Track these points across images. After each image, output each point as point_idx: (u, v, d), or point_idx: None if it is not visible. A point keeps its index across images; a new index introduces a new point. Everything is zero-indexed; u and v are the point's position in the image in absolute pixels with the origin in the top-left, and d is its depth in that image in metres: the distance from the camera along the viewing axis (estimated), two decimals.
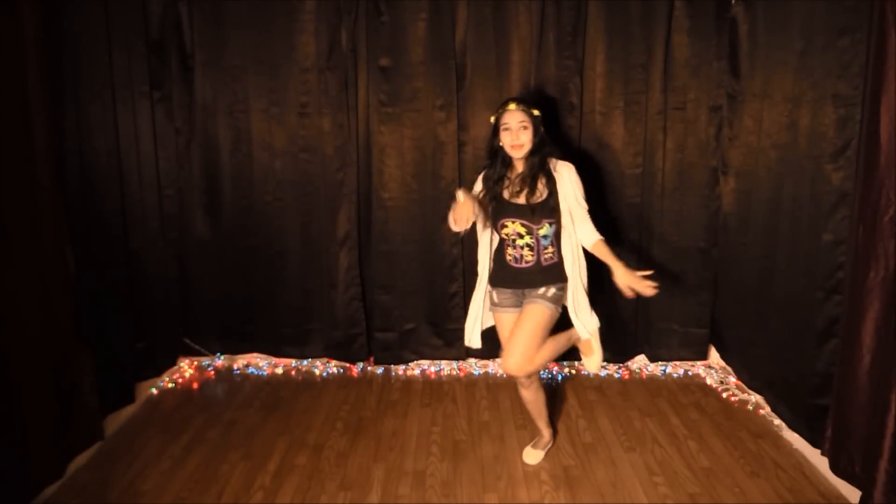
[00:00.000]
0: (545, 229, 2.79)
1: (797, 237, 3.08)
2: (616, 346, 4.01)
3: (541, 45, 3.61)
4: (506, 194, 2.82)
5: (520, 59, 3.65)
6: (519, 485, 2.90)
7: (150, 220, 3.68)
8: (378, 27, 3.62)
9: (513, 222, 2.77)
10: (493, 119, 2.83)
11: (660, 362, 4.05)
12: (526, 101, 2.82)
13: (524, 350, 2.74)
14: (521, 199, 2.78)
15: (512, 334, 2.80)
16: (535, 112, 2.79)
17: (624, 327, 3.98)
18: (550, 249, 2.83)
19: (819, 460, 2.92)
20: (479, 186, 2.90)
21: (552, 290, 2.83)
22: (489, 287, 2.94)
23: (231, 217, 3.89)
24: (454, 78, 3.66)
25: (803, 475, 2.94)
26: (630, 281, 2.69)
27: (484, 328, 3.01)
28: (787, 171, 3.16)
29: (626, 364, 4.07)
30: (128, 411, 3.50)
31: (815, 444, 2.94)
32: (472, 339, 3.00)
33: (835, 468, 2.71)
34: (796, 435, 3.14)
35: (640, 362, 4.09)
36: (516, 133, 2.73)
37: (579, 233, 2.84)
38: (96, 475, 2.97)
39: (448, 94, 3.66)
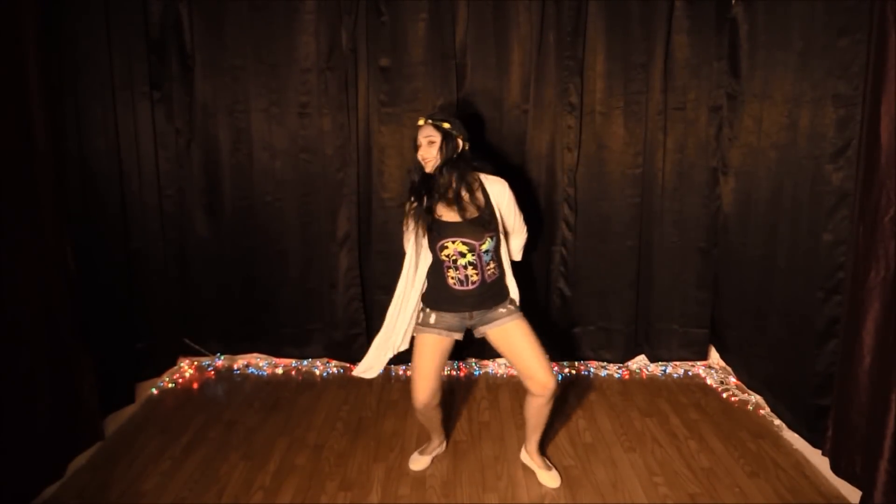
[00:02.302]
0: (487, 244, 2.68)
1: (797, 237, 3.08)
2: (616, 346, 4.02)
3: (541, 45, 3.61)
4: (440, 213, 2.70)
5: (520, 60, 3.65)
6: (519, 485, 2.90)
7: (150, 221, 3.68)
8: (378, 27, 3.62)
9: (453, 242, 2.66)
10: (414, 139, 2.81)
11: (660, 362, 4.05)
12: (440, 116, 2.76)
13: (546, 362, 2.68)
14: (456, 216, 2.67)
15: (522, 353, 2.70)
16: (446, 125, 2.70)
17: (624, 327, 3.98)
18: (492, 264, 2.74)
19: (819, 460, 2.92)
20: (407, 210, 2.82)
21: (508, 306, 2.79)
22: (422, 307, 2.83)
23: (231, 217, 3.89)
24: (454, 78, 3.65)
25: (803, 475, 2.94)
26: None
27: (395, 353, 2.90)
28: (788, 171, 3.16)
29: (626, 364, 4.07)
30: (128, 411, 3.50)
31: (815, 444, 2.95)
32: (376, 367, 2.92)
33: (835, 468, 2.71)
34: (796, 435, 3.14)
35: (640, 362, 4.09)
36: (425, 148, 2.69)
37: (510, 244, 2.91)
38: (96, 475, 2.97)
39: (448, 94, 3.66)
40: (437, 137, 2.68)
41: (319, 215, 3.85)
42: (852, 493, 2.66)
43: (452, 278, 2.71)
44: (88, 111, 3.20)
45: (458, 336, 2.80)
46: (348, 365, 4.06)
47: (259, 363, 4.11)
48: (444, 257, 2.70)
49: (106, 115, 3.31)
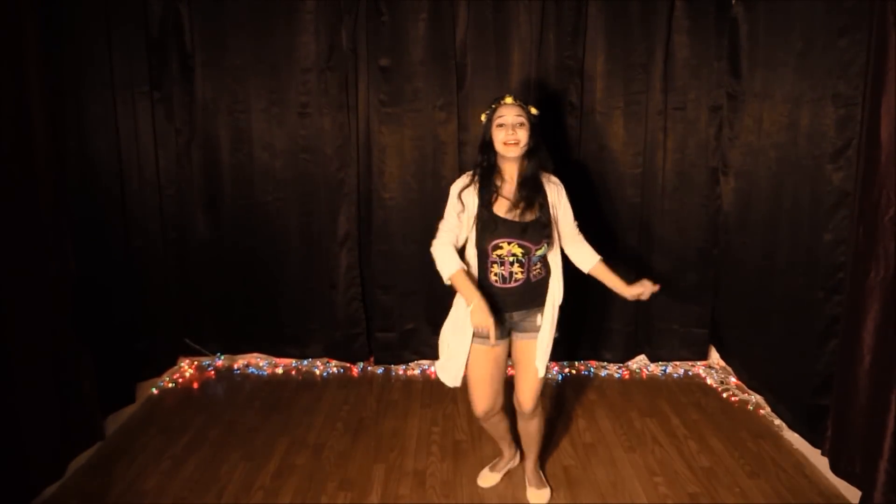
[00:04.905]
0: (542, 249, 2.49)
1: (797, 237, 3.08)
2: (616, 345, 4.02)
3: (541, 45, 3.61)
4: (497, 209, 2.46)
5: (520, 60, 3.65)
6: (519, 485, 2.90)
7: (150, 220, 3.68)
8: (378, 27, 3.62)
9: (509, 243, 2.43)
10: (484, 116, 2.51)
11: (660, 362, 4.05)
12: (522, 99, 2.52)
13: (538, 389, 2.58)
14: (515, 216, 2.44)
15: (524, 374, 2.57)
16: (533, 110, 2.48)
17: (624, 327, 3.98)
18: (539, 265, 2.53)
19: (819, 460, 2.92)
20: (455, 192, 2.51)
21: (541, 318, 2.57)
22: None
23: (231, 217, 3.89)
24: (454, 78, 3.66)
25: (803, 475, 2.94)
26: (636, 293, 2.57)
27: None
28: (788, 171, 3.16)
29: (626, 364, 4.07)
30: (128, 411, 3.50)
31: (815, 444, 2.95)
32: (458, 375, 2.57)
33: (835, 468, 2.71)
34: (796, 435, 3.14)
35: (640, 362, 4.09)
36: (512, 128, 2.38)
37: (577, 255, 2.62)
38: (96, 475, 2.97)
39: (448, 93, 3.66)
40: (527, 120, 2.42)
41: (319, 215, 3.85)
42: (852, 493, 2.66)
43: (495, 274, 2.48)
44: (89, 111, 3.20)
45: (506, 340, 2.60)
46: (348, 365, 4.06)
47: (259, 363, 4.11)
48: (495, 256, 2.46)
49: (106, 114, 3.31)
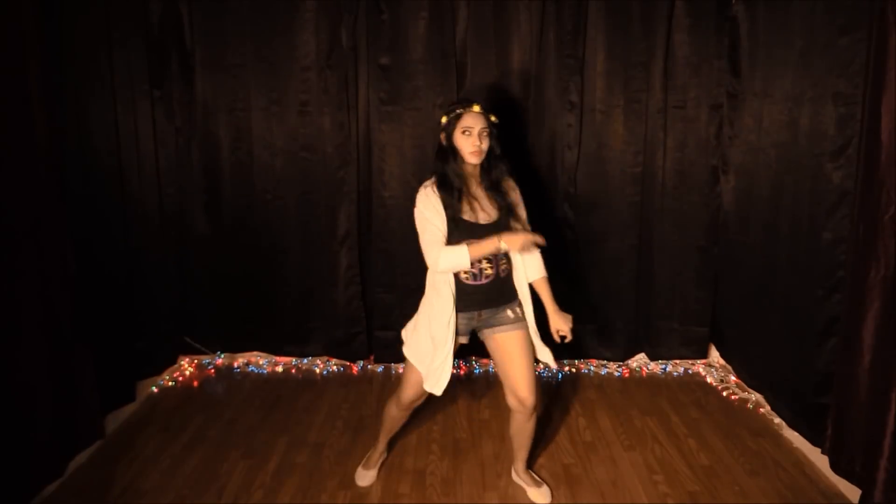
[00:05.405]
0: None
1: (797, 236, 3.08)
2: (616, 344, 4.02)
3: (541, 43, 3.61)
4: (462, 213, 2.51)
5: (520, 58, 3.65)
6: (519, 484, 2.90)
7: (150, 219, 3.68)
8: (378, 25, 3.61)
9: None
10: (445, 119, 2.53)
11: (660, 361, 4.06)
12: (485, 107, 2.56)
13: (532, 380, 2.57)
14: (479, 219, 2.52)
15: (513, 365, 2.57)
16: (494, 119, 2.55)
17: (624, 326, 3.98)
18: (505, 260, 2.60)
19: (819, 459, 2.92)
20: (430, 203, 2.50)
21: (516, 310, 2.63)
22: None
23: (231, 215, 3.89)
24: (454, 76, 3.65)
25: (803, 474, 2.95)
26: (561, 325, 2.62)
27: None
28: (788, 169, 3.16)
29: (626, 362, 4.07)
30: (128, 410, 3.50)
31: (815, 442, 2.95)
32: (442, 382, 2.57)
33: (835, 467, 2.71)
34: (796, 433, 3.14)
35: (640, 361, 4.09)
36: (478, 137, 2.46)
37: (527, 262, 2.64)
38: (96, 474, 2.97)
39: (448, 92, 3.66)
40: (490, 130, 2.52)
41: (319, 213, 3.85)
42: (852, 492, 2.66)
43: (466, 273, 2.54)
44: (88, 110, 3.20)
45: (464, 339, 2.67)
46: (348, 363, 4.06)
47: (259, 361, 4.11)
48: None
49: (106, 113, 3.31)
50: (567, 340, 2.65)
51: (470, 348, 3.94)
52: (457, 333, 2.59)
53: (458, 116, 2.49)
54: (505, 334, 2.61)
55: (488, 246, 2.45)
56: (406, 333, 2.75)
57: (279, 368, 4.05)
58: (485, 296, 2.58)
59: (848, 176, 2.72)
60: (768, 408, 3.44)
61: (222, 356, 4.13)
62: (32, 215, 2.66)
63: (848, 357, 2.57)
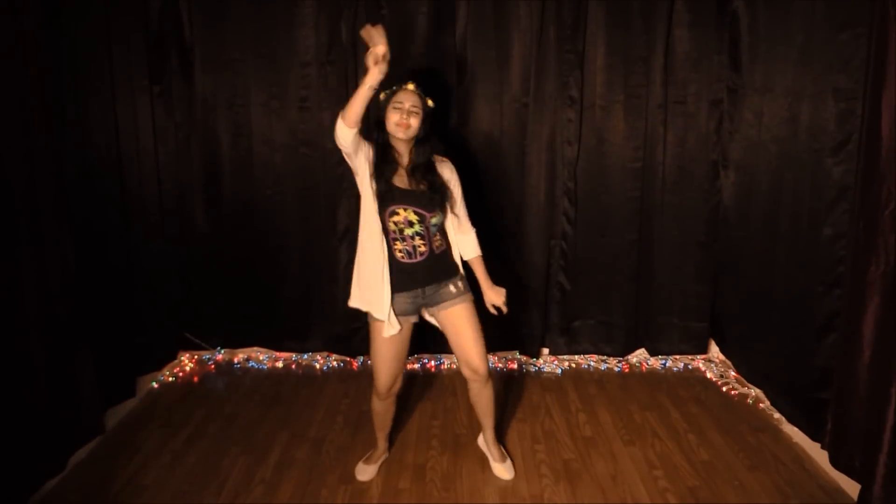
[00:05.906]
0: (437, 218, 2.64)
1: (797, 231, 3.08)
2: (616, 339, 4.02)
3: (541, 39, 3.60)
4: (395, 181, 2.61)
5: (520, 53, 3.64)
6: (519, 478, 2.90)
7: (150, 215, 3.68)
8: (378, 21, 3.60)
9: (405, 209, 2.57)
10: (383, 95, 2.62)
11: (660, 356, 4.06)
12: (422, 90, 2.65)
13: (482, 350, 2.72)
14: (410, 186, 2.62)
15: (462, 337, 2.70)
16: (430, 103, 2.65)
17: (624, 321, 3.98)
18: (438, 236, 2.68)
19: (819, 454, 2.93)
20: (369, 147, 2.62)
21: (458, 283, 2.73)
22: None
23: (231, 211, 3.88)
24: (454, 72, 3.65)
25: (803, 469, 2.95)
26: (495, 299, 2.77)
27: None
28: (788, 165, 3.16)
29: (626, 358, 4.07)
30: (128, 405, 3.51)
31: (814, 437, 2.95)
32: (394, 321, 2.64)
33: (834, 462, 2.72)
34: (796, 429, 3.14)
35: (640, 356, 4.10)
36: (406, 113, 2.55)
37: (462, 242, 2.77)
38: (97, 469, 2.98)
39: (448, 87, 3.65)
40: (421, 110, 2.60)
41: (319, 209, 3.85)
42: (851, 487, 2.67)
43: (400, 251, 2.62)
44: (88, 106, 3.20)
45: (414, 318, 2.75)
46: (348, 359, 4.06)
47: (259, 357, 4.11)
48: (391, 224, 2.59)
49: (105, 109, 3.31)
50: (504, 313, 2.78)
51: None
52: (407, 314, 2.69)
53: (394, 93, 2.61)
54: (450, 309, 2.72)
55: (362, 90, 2.40)
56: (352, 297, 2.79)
57: (279, 364, 4.06)
58: (423, 273, 2.67)
59: (848, 171, 2.73)
60: (768, 403, 3.45)
61: (222, 352, 4.13)
62: (32, 209, 2.66)
63: (848, 352, 2.57)
